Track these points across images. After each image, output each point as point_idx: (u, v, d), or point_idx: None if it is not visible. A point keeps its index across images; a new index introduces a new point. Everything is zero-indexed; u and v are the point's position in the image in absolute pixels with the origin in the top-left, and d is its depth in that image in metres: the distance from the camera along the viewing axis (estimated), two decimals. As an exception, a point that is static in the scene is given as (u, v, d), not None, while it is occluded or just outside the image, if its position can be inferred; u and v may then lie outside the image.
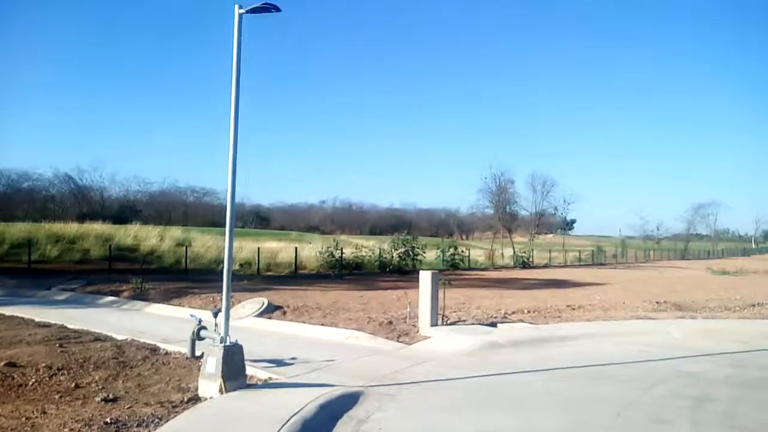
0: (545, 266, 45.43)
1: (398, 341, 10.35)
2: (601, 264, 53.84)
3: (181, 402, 6.16)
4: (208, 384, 6.37)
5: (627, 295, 19.75)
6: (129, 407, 5.99)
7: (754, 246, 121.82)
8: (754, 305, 17.10)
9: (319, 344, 10.03)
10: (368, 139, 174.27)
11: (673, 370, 8.52)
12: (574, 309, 15.01)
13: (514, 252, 46.17)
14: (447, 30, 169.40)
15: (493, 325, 12.03)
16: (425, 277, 11.57)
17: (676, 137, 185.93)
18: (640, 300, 17.60)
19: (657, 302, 16.75)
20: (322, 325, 11.60)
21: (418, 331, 11.02)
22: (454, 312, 13.51)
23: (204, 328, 7.84)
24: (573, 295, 19.73)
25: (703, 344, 10.74)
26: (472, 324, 12.04)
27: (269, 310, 12.98)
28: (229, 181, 6.96)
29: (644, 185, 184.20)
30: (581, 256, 55.69)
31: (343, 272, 28.90)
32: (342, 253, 30.43)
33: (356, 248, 32.08)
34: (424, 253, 34.18)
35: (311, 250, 32.42)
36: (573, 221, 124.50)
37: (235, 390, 6.36)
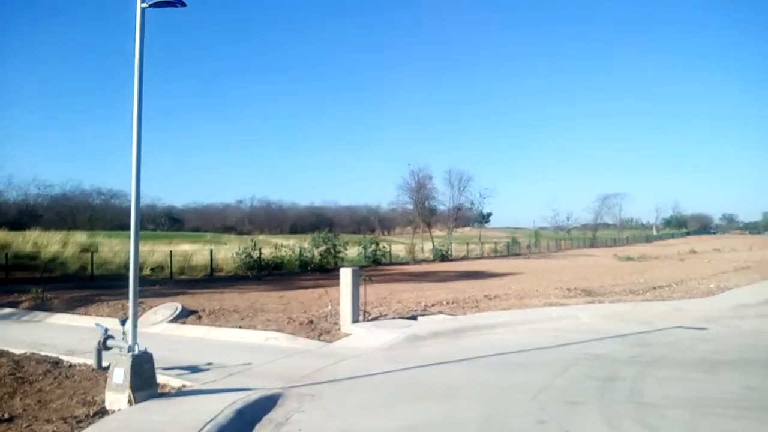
0: (463, 258, 46.53)
1: (319, 340, 10.22)
2: (516, 254, 55.82)
3: (87, 417, 5.77)
4: (116, 396, 6.01)
5: (540, 284, 20.55)
6: (27, 426, 5.56)
7: (655, 233, 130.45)
8: (655, 288, 18.28)
9: (237, 348, 9.72)
10: (287, 137, 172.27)
11: (583, 353, 8.92)
12: (491, 299, 15.43)
13: (434, 246, 47.00)
14: (364, 27, 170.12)
15: (414, 318, 12.14)
16: (346, 274, 11.51)
17: (584, 133, 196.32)
18: (552, 287, 18.36)
19: (568, 289, 17.54)
20: (240, 328, 11.26)
21: (339, 329, 10.93)
22: (376, 307, 13.53)
23: (111, 337, 7.41)
24: (490, 285, 20.30)
25: (610, 327, 11.32)
26: (394, 318, 12.10)
27: (183, 315, 12.46)
28: (132, 182, 6.58)
29: (555, 179, 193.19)
30: (497, 247, 57.46)
31: (263, 273, 28.29)
32: (261, 253, 29.78)
33: (276, 248, 31.46)
34: (346, 250, 34.09)
35: (228, 251, 31.51)
36: (489, 214, 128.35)
37: (145, 400, 6.03)
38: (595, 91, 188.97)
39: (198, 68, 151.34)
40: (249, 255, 28.89)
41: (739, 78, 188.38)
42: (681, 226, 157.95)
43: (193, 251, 31.66)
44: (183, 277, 26.20)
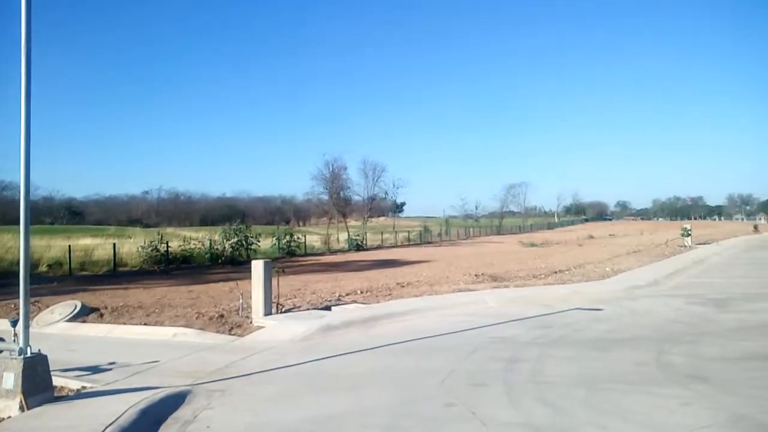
0: (378, 247, 46.99)
1: (230, 334, 9.99)
2: (428, 242, 57.07)
3: (-29, 428, 5.34)
4: (6, 403, 5.60)
5: (450, 270, 21.14)
6: None
7: (556, 220, 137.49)
8: (556, 272, 19.28)
9: (142, 345, 9.31)
10: (197, 126, 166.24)
11: (490, 336, 9.28)
12: (403, 286, 15.71)
13: (349, 236, 47.16)
14: (277, 17, 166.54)
15: (328, 308, 12.15)
16: (258, 266, 11.30)
17: (491, 125, 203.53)
18: (461, 274, 18.94)
19: (476, 275, 18.15)
20: (146, 324, 10.79)
21: (251, 322, 10.73)
22: (289, 299, 13.40)
23: (1, 339, 6.88)
24: (402, 273, 20.65)
25: (515, 310, 11.84)
26: (307, 309, 12.03)
27: (84, 313, 11.78)
28: (21, 171, 6.12)
29: (465, 169, 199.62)
30: (410, 236, 58.46)
31: (170, 267, 27.24)
32: (168, 246, 28.64)
33: (184, 241, 30.35)
34: (259, 242, 33.43)
35: (133, 245, 30.04)
36: (403, 204, 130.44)
37: (39, 405, 5.66)
38: (499, 84, 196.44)
39: (102, 56, 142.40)
40: (155, 249, 27.72)
41: (632, 73, 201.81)
42: (580, 213, 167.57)
43: (95, 245, 29.97)
44: (84, 273, 24.72)
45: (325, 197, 59.20)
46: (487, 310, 12.21)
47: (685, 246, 33.58)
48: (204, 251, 30.78)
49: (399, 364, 7.61)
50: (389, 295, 14.15)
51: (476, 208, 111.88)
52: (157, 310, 12.22)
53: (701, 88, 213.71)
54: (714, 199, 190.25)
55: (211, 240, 31.77)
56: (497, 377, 6.75)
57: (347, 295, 14.20)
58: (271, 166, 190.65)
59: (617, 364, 7.35)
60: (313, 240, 45.25)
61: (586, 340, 8.91)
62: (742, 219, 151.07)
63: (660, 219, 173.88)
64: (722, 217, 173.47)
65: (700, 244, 36.36)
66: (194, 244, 30.74)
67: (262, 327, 10.37)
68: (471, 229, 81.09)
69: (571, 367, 7.19)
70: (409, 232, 61.39)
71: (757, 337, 8.86)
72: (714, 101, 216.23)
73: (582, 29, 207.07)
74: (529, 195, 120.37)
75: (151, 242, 28.05)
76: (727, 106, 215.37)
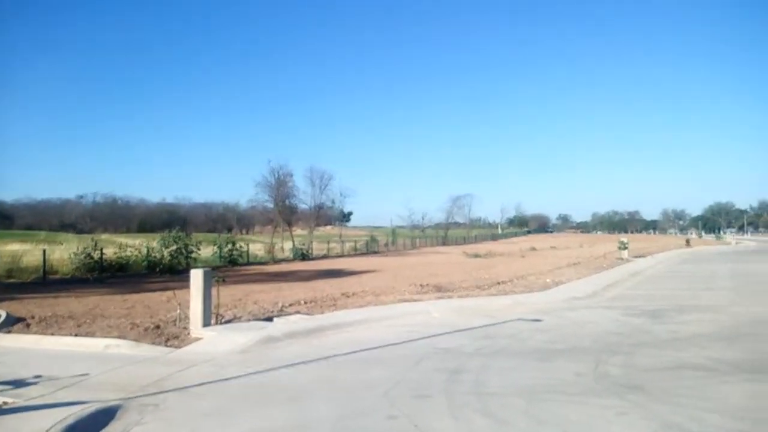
0: (324, 257, 46.58)
1: (166, 346, 9.60)
2: (375, 252, 57.03)
3: None
4: None
5: (396, 280, 21.14)
6: None
7: (500, 231, 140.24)
8: (499, 283, 19.58)
9: (72, 358, 8.82)
10: (136, 129, 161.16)
11: (434, 347, 9.27)
12: (348, 296, 15.57)
13: (294, 245, 46.54)
14: (221, 19, 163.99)
15: (270, 319, 11.88)
16: (197, 275, 10.94)
17: (437, 136, 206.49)
18: (407, 284, 18.97)
19: (421, 285, 18.22)
20: (76, 335, 10.25)
21: (189, 333, 10.37)
22: (230, 310, 13.06)
23: None
24: (348, 283, 20.50)
25: (459, 321, 11.91)
26: (248, 320, 11.74)
27: (8, 324, 11.11)
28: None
29: (412, 180, 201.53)
30: (357, 245, 58.26)
31: (105, 275, 26.10)
32: (102, 253, 27.47)
33: (120, 248, 29.17)
34: (200, 249, 32.52)
35: (65, 251, 28.67)
36: (350, 213, 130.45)
37: (-49, 425, 5.25)
38: (445, 95, 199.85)
39: (33, 53, 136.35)
40: (89, 255, 26.48)
41: (574, 91, 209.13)
42: (523, 225, 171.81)
43: (24, 251, 28.41)
44: (11, 281, 23.36)
45: (270, 205, 58.34)
46: (432, 320, 12.23)
47: (622, 259, 34.82)
48: (141, 259, 29.66)
49: (342, 376, 7.48)
50: (334, 305, 13.99)
51: (423, 219, 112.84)
52: (88, 321, 11.66)
53: (638, 109, 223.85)
54: (649, 213, 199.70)
55: (148, 247, 30.62)
56: (441, 388, 6.72)
57: (291, 305, 13.96)
58: (214, 172, 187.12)
59: (557, 374, 7.46)
60: (257, 249, 44.46)
61: (527, 351, 9.02)
62: (676, 233, 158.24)
63: (599, 232, 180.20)
64: (657, 231, 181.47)
65: (637, 257, 37.81)
66: (131, 251, 29.58)
67: (201, 338, 10.03)
68: (417, 240, 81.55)
69: (512, 378, 7.24)
70: (355, 241, 61.18)
71: (688, 347, 9.18)
72: (649, 123, 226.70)
73: (527, 42, 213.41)
74: (474, 206, 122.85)
75: (85, 249, 26.80)
76: (661, 128, 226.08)
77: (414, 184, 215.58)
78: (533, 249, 58.77)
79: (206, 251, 35.26)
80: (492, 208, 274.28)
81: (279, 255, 43.53)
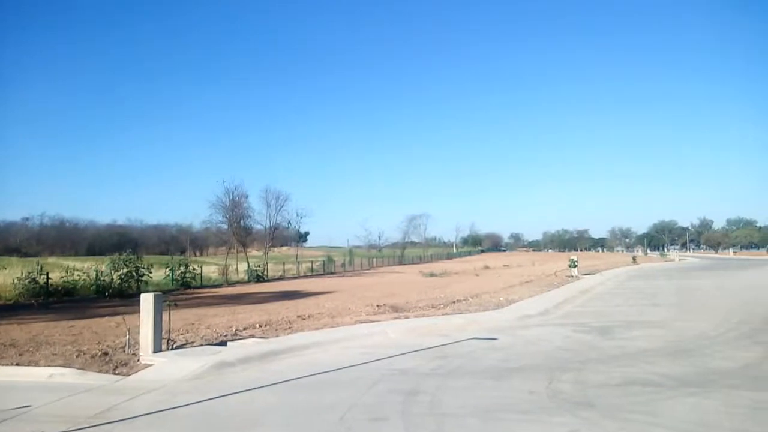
0: (280, 278, 46.07)
1: (115, 374, 9.28)
2: (332, 273, 56.75)
3: None
4: None
5: (353, 301, 21.07)
6: None
7: (455, 251, 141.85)
8: (454, 302, 19.75)
9: (13, 389, 8.44)
10: (84, 149, 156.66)
11: (390, 368, 9.27)
12: (304, 319, 15.42)
13: (249, 266, 45.84)
14: (173, 35, 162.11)
15: (224, 343, 11.65)
16: (147, 299, 10.66)
17: (394, 157, 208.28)
18: (363, 305, 18.92)
19: (378, 306, 18.20)
20: (18, 365, 9.80)
21: (139, 360, 10.05)
22: (182, 334, 12.75)
23: None
24: (304, 305, 20.31)
25: (415, 341, 11.95)
26: (201, 345, 11.48)
27: (-57, 355, 10.53)
28: None
29: (369, 199, 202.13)
30: (314, 266, 57.88)
31: (51, 300, 25.11)
32: (48, 278, 26.43)
33: (67, 272, 28.15)
34: (151, 272, 31.69)
35: (8, 276, 27.47)
36: (307, 234, 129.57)
37: None
38: (401, 116, 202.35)
39: None
40: (34, 280, 25.49)
41: (525, 114, 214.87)
42: (477, 244, 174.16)
43: (-37, 277, 27.13)
44: (-53, 308, 22.22)
45: (225, 226, 57.37)
46: (388, 341, 12.23)
47: (573, 276, 35.65)
48: (89, 283, 28.70)
49: (297, 401, 7.39)
50: (289, 328, 13.82)
51: (380, 239, 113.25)
52: (32, 349, 11.18)
53: (585, 133, 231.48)
54: (598, 232, 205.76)
55: (97, 271, 29.68)
56: (397, 410, 6.71)
57: (245, 329, 13.72)
58: (167, 193, 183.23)
59: (511, 392, 7.56)
60: (211, 271, 43.65)
61: (482, 370, 9.12)
62: (623, 251, 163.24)
63: (550, 250, 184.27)
64: (605, 249, 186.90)
65: (586, 274, 38.78)
66: (79, 275, 28.61)
67: (151, 365, 9.74)
68: (374, 259, 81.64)
69: (467, 397, 7.30)
70: (312, 262, 60.77)
71: (636, 363, 9.46)
72: (596, 145, 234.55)
73: (477, 62, 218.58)
74: (429, 226, 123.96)
75: (29, 273, 25.78)
76: (607, 150, 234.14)
77: (371, 204, 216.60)
78: (487, 267, 59.64)
79: (158, 274, 34.41)
80: (447, 228, 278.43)
81: (234, 277, 42.81)
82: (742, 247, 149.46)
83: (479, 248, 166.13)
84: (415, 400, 7.20)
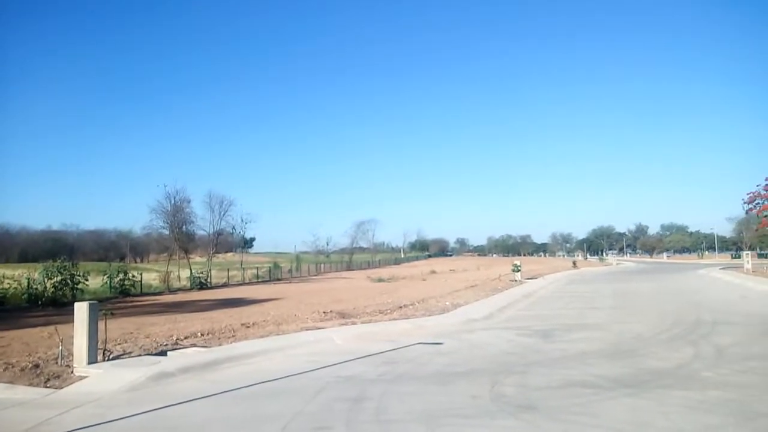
0: (224, 285, 45.11)
1: (46, 386, 8.83)
2: (278, 279, 55.99)
3: None
4: None
5: (299, 308, 20.83)
6: None
7: (402, 256, 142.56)
8: (401, 307, 19.84)
9: (-69, 406, 7.90)
10: (18, 151, 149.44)
11: (336, 375, 9.19)
12: (248, 327, 15.13)
13: (191, 273, 44.69)
14: (114, 44, 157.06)
15: (163, 353, 11.28)
16: (81, 308, 10.21)
17: (341, 162, 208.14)
18: (310, 311, 18.74)
19: (324, 312, 18.07)
20: (-62, 380, 9.21)
21: (72, 372, 9.61)
22: (119, 344, 12.29)
23: None
24: (249, 313, 19.94)
25: (361, 347, 11.90)
26: (139, 356, 11.08)
27: None
28: None
29: (317, 204, 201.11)
30: (259, 272, 56.94)
31: (-23, 310, 23.75)
32: (-25, 287, 25.01)
33: (-4, 280, 26.71)
34: (87, 280, 30.43)
35: (-71, 286, 25.83)
36: (252, 239, 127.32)
37: None
38: (347, 120, 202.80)
39: None
40: (-42, 290, 24.05)
41: (467, 120, 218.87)
42: (424, 249, 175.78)
43: None
44: None
45: (166, 232, 55.75)
46: (335, 348, 12.14)
47: (516, 281, 36.45)
48: (21, 291, 27.29)
49: (239, 411, 7.21)
50: (233, 336, 13.53)
51: (327, 244, 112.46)
52: (-47, 363, 10.50)
53: (527, 142, 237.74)
54: (540, 237, 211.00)
55: (29, 278, 28.25)
56: (341, 418, 6.65)
57: (186, 338, 13.34)
58: (106, 198, 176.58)
59: (456, 397, 7.62)
60: (151, 278, 42.34)
61: (428, 375, 9.16)
62: (563, 255, 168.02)
63: (494, 255, 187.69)
64: (547, 254, 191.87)
65: (529, 278, 39.72)
66: (9, 283, 27.15)
67: (85, 377, 9.33)
68: (322, 265, 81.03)
69: (413, 403, 7.31)
70: (258, 268, 59.76)
71: (576, 365, 9.72)
72: (537, 153, 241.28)
73: (428, 68, 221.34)
74: (377, 231, 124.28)
75: (-47, 282, 24.32)
76: (549, 158, 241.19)
77: (319, 209, 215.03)
78: (434, 272, 60.25)
79: (95, 282, 33.15)
80: (395, 233, 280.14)
81: (175, 284, 41.66)
82: (675, 252, 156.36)
83: (426, 253, 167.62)
84: (361, 407, 7.16)
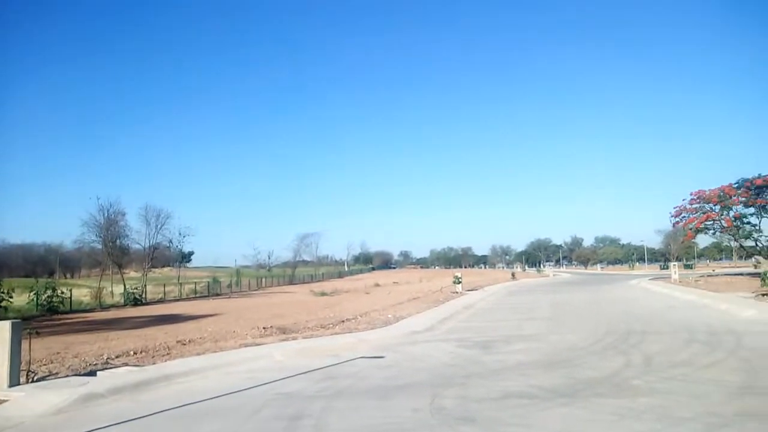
0: (160, 301, 43.65)
1: (-39, 413, 8.26)
2: (217, 294, 54.67)
3: None
4: None
5: (238, 324, 20.38)
6: None
7: (346, 269, 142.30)
8: (344, 321, 19.72)
9: None
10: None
11: (275, 392, 9.01)
12: (184, 344, 14.67)
13: (125, 289, 43.03)
14: (40, 56, 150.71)
15: (93, 373, 10.77)
16: (3, 328, 9.64)
17: (283, 174, 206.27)
18: (249, 327, 18.36)
19: (264, 328, 17.75)
20: None
21: (-9, 396, 9.03)
22: (45, 365, 11.67)
23: None
24: (185, 329, 19.35)
25: (302, 363, 11.73)
26: (67, 376, 10.53)
27: None
28: None
29: (258, 218, 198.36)
30: (198, 288, 55.46)
31: None
32: None
33: None
34: (12, 297, 28.76)
35: None
36: (191, 253, 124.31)
37: None
38: (288, 134, 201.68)
39: None
40: None
41: (408, 134, 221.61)
42: (368, 262, 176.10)
43: None
44: None
45: (99, 246, 53.57)
46: (275, 364, 11.92)
47: (457, 292, 36.95)
48: (-65, 311, 25.55)
49: (173, 432, 6.95)
50: (168, 354, 13.08)
51: (269, 258, 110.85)
52: None
53: (466, 155, 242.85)
54: (480, 249, 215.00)
55: (-53, 297, 26.51)
56: (279, 437, 6.51)
57: (117, 357, 12.80)
58: (34, 210, 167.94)
59: (396, 411, 7.59)
60: (83, 294, 40.52)
61: (368, 389, 9.11)
62: (503, 267, 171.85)
63: (437, 267, 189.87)
64: (487, 266, 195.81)
65: (470, 290, 40.36)
66: (-77, 301, 25.41)
67: (6, 401, 8.78)
68: (264, 279, 79.76)
69: (353, 419, 7.24)
70: (196, 283, 58.22)
71: (514, 376, 9.89)
72: (477, 166, 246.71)
73: (368, 87, 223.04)
74: (321, 245, 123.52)
75: None
76: (489, 171, 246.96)
77: (260, 222, 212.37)
78: (377, 285, 60.35)
79: (21, 299, 31.45)
80: (339, 246, 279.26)
81: (108, 301, 40.02)
82: (608, 263, 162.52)
83: (370, 266, 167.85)
84: (299, 425, 7.02)
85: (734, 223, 40.11)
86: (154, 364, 11.84)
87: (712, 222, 41.61)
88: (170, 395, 9.11)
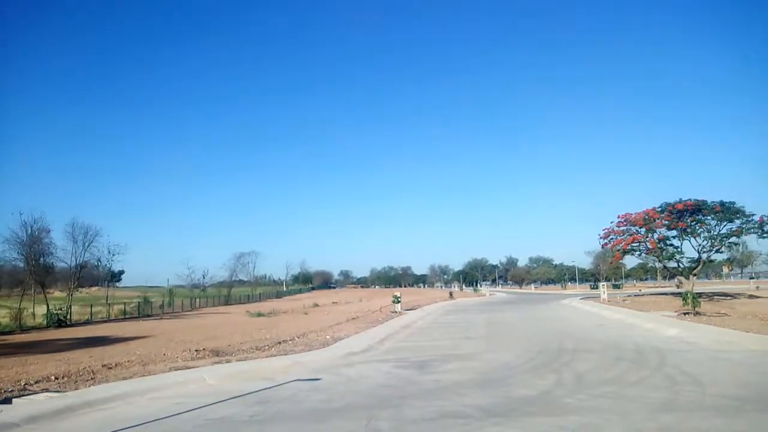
0: (86, 323, 41.64)
1: None
2: (148, 315, 52.64)
3: None
4: None
5: (169, 346, 19.67)
6: None
7: (285, 289, 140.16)
8: (280, 343, 19.38)
9: None
10: None
11: (205, 418, 8.71)
12: (110, 368, 14.02)
13: (48, 309, 40.77)
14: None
15: (8, 401, 10.09)
16: None
17: (219, 192, 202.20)
18: (181, 350, 17.74)
19: (197, 350, 17.19)
20: None
21: None
22: (-47, 393, 10.83)
23: None
24: (112, 352, 18.50)
25: (235, 387, 11.40)
26: (-22, 405, 9.82)
27: None
28: None
29: (192, 236, 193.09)
30: (127, 308, 53.25)
31: None
32: None
33: None
34: None
35: None
36: (121, 272, 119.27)
37: None
38: (226, 151, 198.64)
39: None
40: None
41: (343, 155, 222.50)
42: (307, 281, 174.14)
43: None
44: None
45: (21, 264, 50.67)
46: (206, 388, 11.53)
47: (396, 312, 37.04)
48: None
49: (94, 463, 6.59)
50: (92, 379, 12.44)
51: (204, 277, 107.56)
52: None
53: (408, 176, 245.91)
54: (419, 268, 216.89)
55: None
56: (208, 465, 6.28)
57: (37, 382, 12.07)
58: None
59: (331, 435, 7.49)
60: (1, 316, 38.11)
61: (303, 413, 8.95)
62: (441, 286, 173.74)
63: (377, 287, 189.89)
64: (426, 285, 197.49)
65: (408, 309, 40.55)
66: None
67: None
68: (198, 300, 77.36)
69: (286, 444, 7.09)
70: (126, 304, 55.86)
71: (450, 395, 9.96)
72: (417, 188, 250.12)
73: (309, 105, 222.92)
74: (258, 264, 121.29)
75: None
76: (426, 192, 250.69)
77: (194, 241, 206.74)
78: (316, 305, 59.72)
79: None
80: (277, 265, 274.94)
81: (29, 322, 37.84)
82: (541, 283, 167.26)
83: (310, 286, 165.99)
84: (230, 451, 6.81)
85: (658, 245, 42.12)
86: (76, 389, 11.23)
87: (638, 244, 43.51)
88: (93, 423, 8.65)
